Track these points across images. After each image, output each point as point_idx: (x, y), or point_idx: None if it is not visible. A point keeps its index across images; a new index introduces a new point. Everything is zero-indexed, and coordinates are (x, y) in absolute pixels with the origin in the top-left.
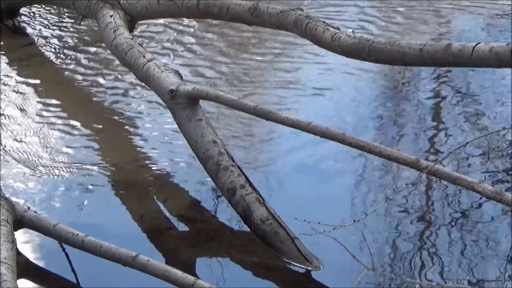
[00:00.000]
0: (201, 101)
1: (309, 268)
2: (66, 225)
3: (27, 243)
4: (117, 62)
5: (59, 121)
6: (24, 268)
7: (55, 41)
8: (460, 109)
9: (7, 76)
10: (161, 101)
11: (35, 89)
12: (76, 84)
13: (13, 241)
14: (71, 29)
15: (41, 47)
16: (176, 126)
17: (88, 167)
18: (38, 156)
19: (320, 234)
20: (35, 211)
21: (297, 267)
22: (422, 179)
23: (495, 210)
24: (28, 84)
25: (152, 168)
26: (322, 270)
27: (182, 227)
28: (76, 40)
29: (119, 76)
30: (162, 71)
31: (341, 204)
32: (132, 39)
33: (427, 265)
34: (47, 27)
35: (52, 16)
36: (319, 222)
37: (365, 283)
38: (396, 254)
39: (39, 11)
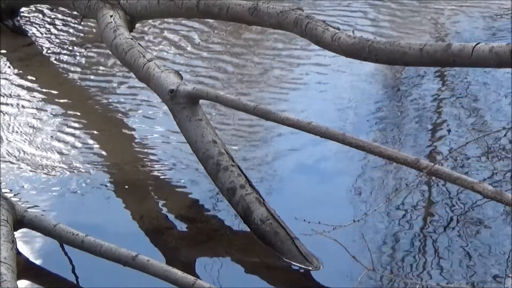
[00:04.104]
0: (201, 101)
1: (309, 268)
2: (66, 225)
3: (27, 243)
4: (117, 62)
5: (59, 121)
6: (24, 268)
7: (55, 41)
8: (460, 109)
9: (7, 76)
10: (161, 101)
11: (35, 89)
12: (76, 84)
13: (13, 241)
14: (71, 29)
15: (41, 47)
16: (176, 126)
17: (88, 167)
18: (38, 156)
19: (320, 235)
20: (35, 211)
21: (297, 267)
22: (422, 179)
23: (495, 210)
24: (28, 84)
25: (152, 168)
26: (322, 270)
27: (182, 227)
28: (76, 40)
29: (119, 76)
30: (162, 71)
31: (341, 204)
32: (132, 39)
33: (427, 265)
34: (47, 27)
35: (52, 16)
36: (319, 222)
37: (365, 283)
38: (396, 254)
39: (39, 11)
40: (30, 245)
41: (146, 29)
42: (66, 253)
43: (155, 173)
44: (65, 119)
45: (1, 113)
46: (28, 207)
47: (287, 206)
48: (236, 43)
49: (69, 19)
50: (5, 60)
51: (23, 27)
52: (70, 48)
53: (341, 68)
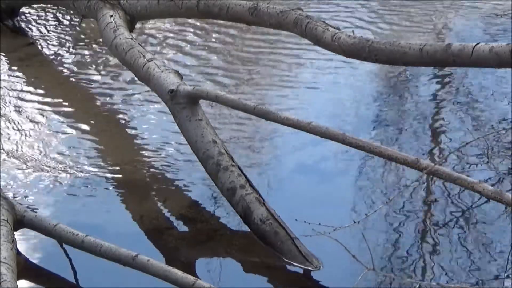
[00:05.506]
0: (200, 101)
1: (309, 268)
2: (66, 225)
3: (27, 243)
4: (117, 62)
5: (59, 121)
6: (24, 268)
7: (55, 41)
8: (460, 109)
9: (7, 76)
10: (161, 101)
11: (35, 89)
12: (76, 84)
13: (13, 241)
14: (71, 29)
15: (41, 47)
16: (176, 126)
17: (89, 167)
18: (38, 156)
19: (321, 235)
20: (35, 211)
21: (297, 267)
22: (422, 179)
23: (495, 210)
24: (28, 84)
25: (152, 168)
26: (322, 270)
27: (182, 227)
28: (76, 40)
29: (119, 76)
30: (162, 71)
31: (341, 205)
32: (132, 39)
33: (428, 265)
34: (47, 27)
35: (52, 16)
36: (319, 223)
37: (365, 283)
38: (396, 254)
39: (39, 11)
40: (30, 245)
41: (146, 29)
42: (67, 253)
43: (155, 173)
44: (65, 119)
45: (1, 113)
46: (28, 207)
47: (287, 206)
48: (236, 43)
49: (69, 19)
50: (5, 60)
51: (23, 27)
52: (70, 48)
53: (341, 68)
